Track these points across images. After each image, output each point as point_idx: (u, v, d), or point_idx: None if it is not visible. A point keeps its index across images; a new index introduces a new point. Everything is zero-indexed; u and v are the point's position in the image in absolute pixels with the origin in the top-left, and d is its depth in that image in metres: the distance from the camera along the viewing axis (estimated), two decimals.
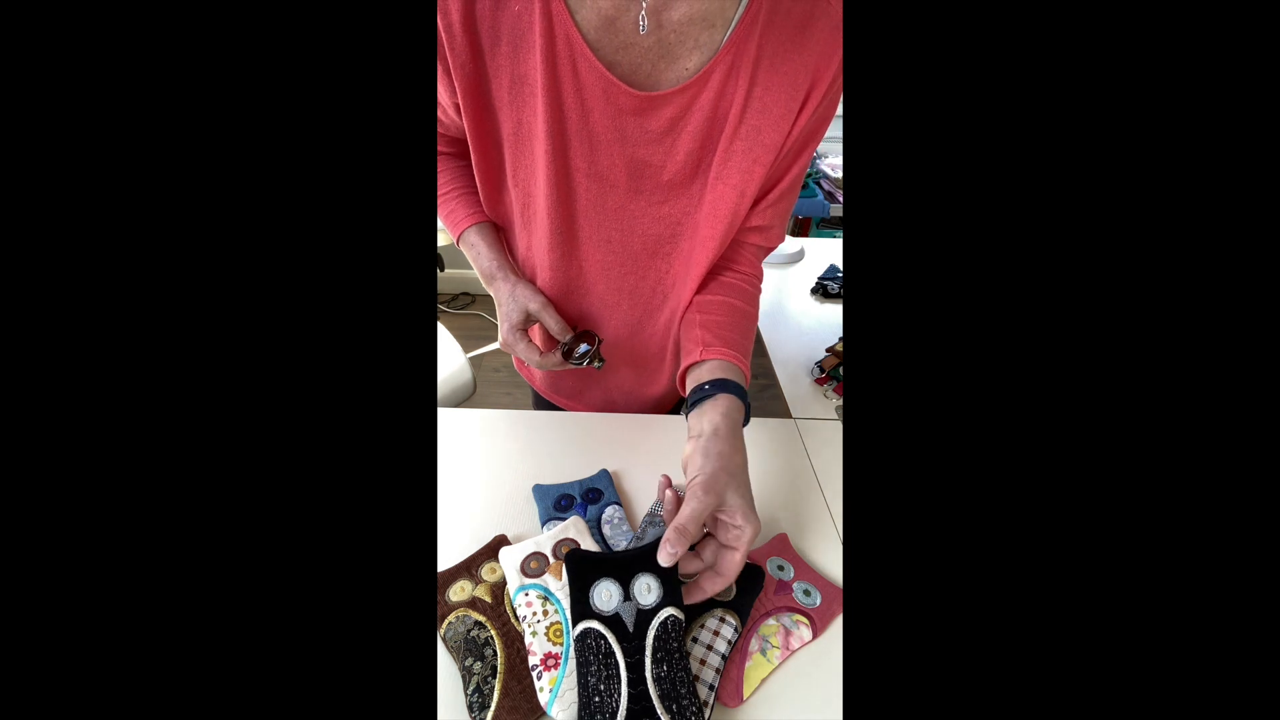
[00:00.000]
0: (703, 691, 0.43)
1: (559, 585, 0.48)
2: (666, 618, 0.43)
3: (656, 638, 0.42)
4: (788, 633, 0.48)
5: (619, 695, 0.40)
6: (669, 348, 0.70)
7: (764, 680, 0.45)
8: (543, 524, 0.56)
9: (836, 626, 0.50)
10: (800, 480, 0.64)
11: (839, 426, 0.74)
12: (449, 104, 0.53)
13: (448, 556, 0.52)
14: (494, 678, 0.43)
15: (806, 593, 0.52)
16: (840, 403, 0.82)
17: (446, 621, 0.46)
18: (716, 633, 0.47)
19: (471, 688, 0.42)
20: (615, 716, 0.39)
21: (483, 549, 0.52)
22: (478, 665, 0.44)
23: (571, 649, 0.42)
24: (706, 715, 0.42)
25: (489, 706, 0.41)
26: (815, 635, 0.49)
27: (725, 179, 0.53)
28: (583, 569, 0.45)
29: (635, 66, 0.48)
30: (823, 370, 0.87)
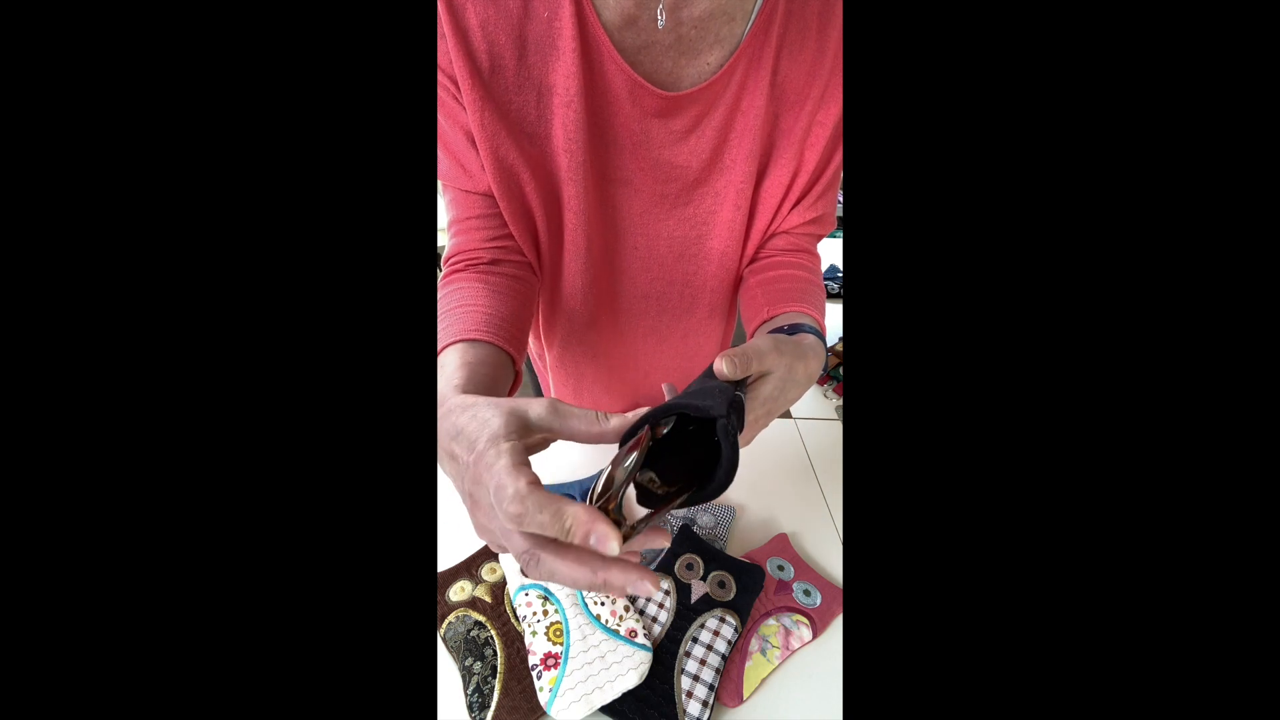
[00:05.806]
0: (702, 691, 0.43)
1: (558, 585, 0.47)
2: None
3: None
4: (788, 633, 0.48)
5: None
6: (703, 349, 0.70)
7: (764, 680, 0.45)
8: None
9: (836, 626, 0.50)
10: (800, 480, 0.64)
11: (839, 426, 0.74)
12: (470, 153, 0.48)
13: (448, 556, 0.52)
14: (494, 678, 0.43)
15: (806, 593, 0.52)
16: (840, 403, 0.82)
17: (446, 621, 0.46)
18: (716, 633, 0.47)
19: (471, 688, 0.42)
20: None
21: (483, 549, 0.52)
22: (478, 665, 0.44)
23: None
24: (706, 715, 0.42)
25: (489, 706, 0.41)
26: (815, 635, 0.49)
27: (770, 173, 0.53)
28: None
29: (656, 64, 0.47)
30: (823, 370, 0.87)
